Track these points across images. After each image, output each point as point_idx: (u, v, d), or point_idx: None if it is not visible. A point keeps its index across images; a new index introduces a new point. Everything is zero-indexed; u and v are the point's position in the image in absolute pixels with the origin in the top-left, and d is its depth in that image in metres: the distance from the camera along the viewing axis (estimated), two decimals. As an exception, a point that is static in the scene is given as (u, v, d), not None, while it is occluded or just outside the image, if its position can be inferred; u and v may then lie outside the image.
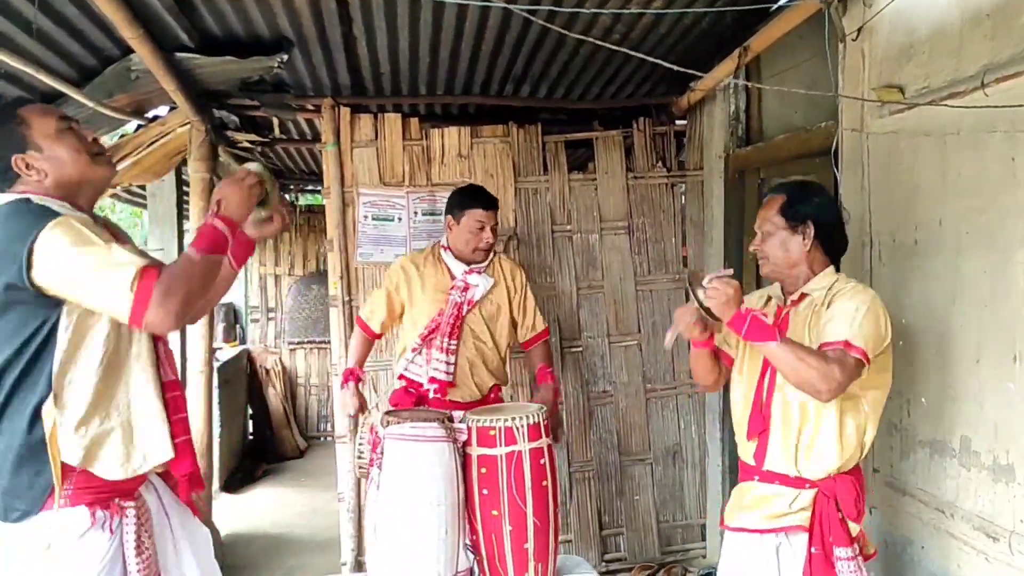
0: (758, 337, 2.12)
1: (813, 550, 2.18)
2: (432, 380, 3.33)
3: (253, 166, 2.20)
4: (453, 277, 3.40)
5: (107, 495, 1.98)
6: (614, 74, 4.43)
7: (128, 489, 2.04)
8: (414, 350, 3.38)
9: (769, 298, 2.48)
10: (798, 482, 2.23)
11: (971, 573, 2.41)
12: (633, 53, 2.74)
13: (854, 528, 2.21)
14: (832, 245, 2.35)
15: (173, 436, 2.10)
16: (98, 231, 1.91)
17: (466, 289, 3.38)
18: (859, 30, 2.94)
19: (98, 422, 1.96)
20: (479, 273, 3.41)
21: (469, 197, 3.40)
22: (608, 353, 4.69)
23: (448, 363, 3.33)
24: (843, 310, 2.18)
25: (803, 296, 2.32)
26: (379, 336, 3.60)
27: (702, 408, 4.74)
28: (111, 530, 1.97)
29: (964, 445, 2.46)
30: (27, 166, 1.98)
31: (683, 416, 4.77)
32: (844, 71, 3.08)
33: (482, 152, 4.60)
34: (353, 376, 3.45)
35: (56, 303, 1.90)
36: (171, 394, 2.13)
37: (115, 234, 2.07)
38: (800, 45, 3.62)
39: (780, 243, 2.32)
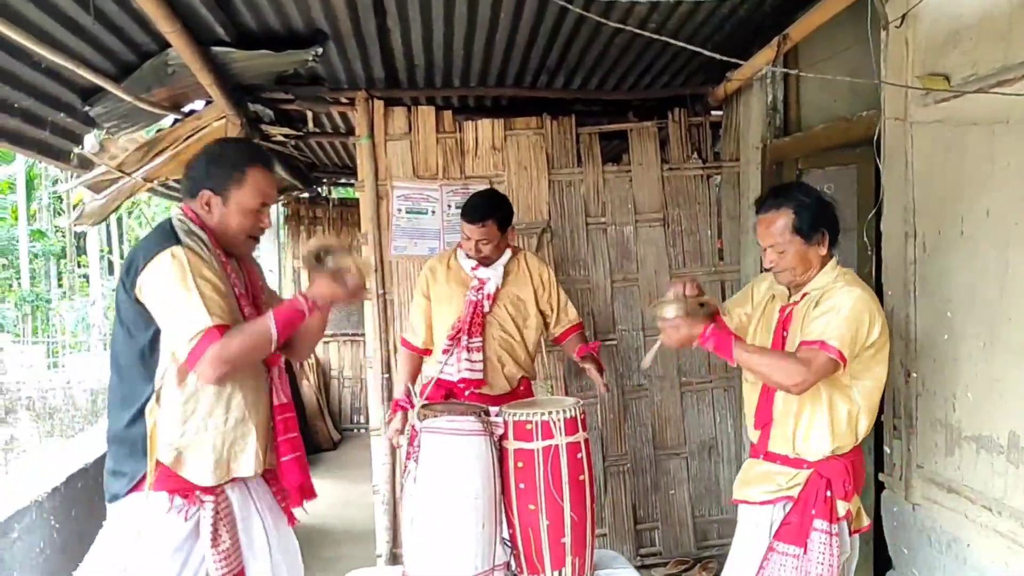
0: (720, 351, 2.35)
1: (792, 519, 2.38)
2: (463, 381, 3.35)
3: (364, 263, 2.35)
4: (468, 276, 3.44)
5: (189, 486, 2.15)
6: (649, 64, 4.38)
7: (211, 487, 2.18)
8: (445, 352, 3.39)
9: (773, 296, 2.61)
10: (797, 462, 2.43)
11: (1020, 572, 2.36)
12: (671, 41, 2.69)
13: (842, 507, 2.34)
14: (835, 240, 2.48)
15: (279, 454, 2.31)
16: (207, 266, 2.13)
17: (481, 288, 3.39)
18: (903, 17, 2.87)
19: (193, 431, 2.14)
20: (486, 267, 3.40)
21: (464, 206, 3.41)
22: (643, 347, 4.65)
23: (474, 361, 3.34)
24: (824, 310, 2.33)
25: (804, 295, 2.46)
26: (426, 352, 3.56)
27: (737, 402, 4.69)
28: (186, 516, 2.14)
29: (1012, 441, 2.40)
30: (206, 203, 2.23)
31: (718, 410, 4.73)
32: (887, 59, 3.01)
33: (515, 144, 4.58)
34: (400, 408, 3.41)
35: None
36: (281, 416, 2.34)
37: (250, 275, 2.36)
38: (840, 33, 3.56)
39: (799, 257, 2.43)
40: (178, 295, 2.06)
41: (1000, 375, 2.45)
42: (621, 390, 4.64)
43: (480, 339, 3.35)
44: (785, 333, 2.48)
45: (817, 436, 2.39)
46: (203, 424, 2.14)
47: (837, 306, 2.31)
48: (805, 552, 2.32)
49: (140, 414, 2.11)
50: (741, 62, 3.40)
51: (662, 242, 4.68)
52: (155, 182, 5.18)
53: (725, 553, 4.59)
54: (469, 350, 3.33)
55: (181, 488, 2.14)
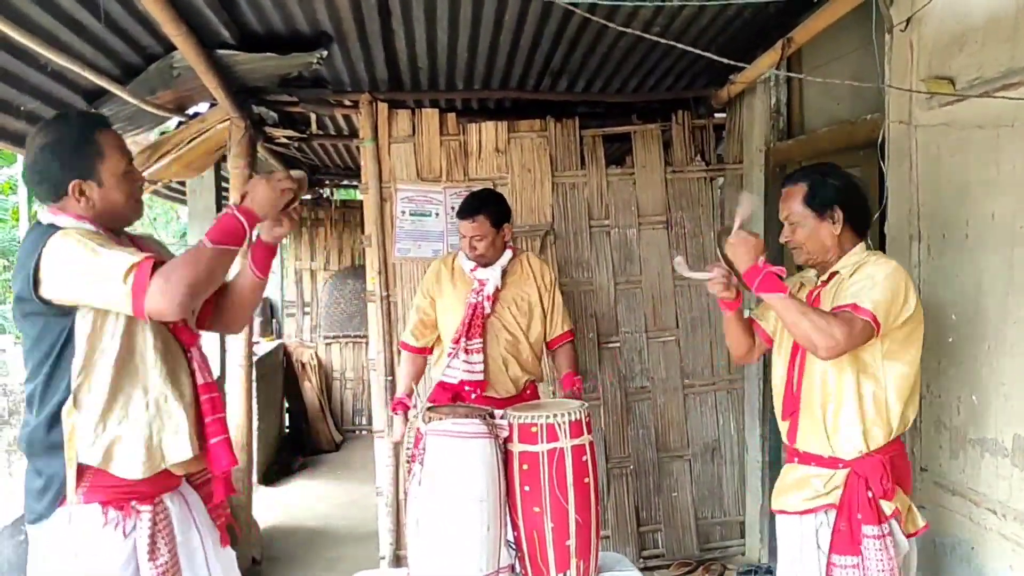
0: (768, 288, 2.20)
1: (841, 527, 2.23)
2: (464, 383, 3.34)
3: (296, 173, 2.20)
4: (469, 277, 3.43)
5: (123, 496, 2.00)
6: (653, 67, 4.39)
7: (147, 493, 2.04)
8: (450, 355, 3.38)
9: (801, 285, 2.53)
10: (832, 462, 2.29)
11: (1025, 575, 2.36)
12: (675, 44, 2.70)
13: (886, 506, 2.21)
14: (860, 222, 2.38)
15: (207, 436, 2.14)
16: (103, 240, 1.95)
17: (480, 289, 3.37)
18: (908, 20, 2.87)
19: (116, 421, 1.99)
20: (484, 267, 3.38)
21: (461, 205, 3.39)
22: (646, 348, 4.66)
23: (473, 363, 3.32)
24: (860, 278, 2.24)
25: (832, 275, 2.37)
26: (426, 351, 3.54)
27: (741, 404, 4.69)
28: (124, 532, 1.99)
29: (1017, 444, 2.40)
30: (80, 193, 2.01)
31: (722, 412, 4.73)
32: (891, 62, 3.01)
33: (519, 147, 4.59)
34: (401, 406, 3.41)
35: (68, 311, 1.95)
36: (207, 396, 2.17)
37: (137, 243, 2.15)
38: (844, 36, 3.56)
39: (810, 232, 2.37)
40: (90, 256, 1.89)
41: (1005, 378, 2.45)
42: (624, 392, 4.64)
43: (480, 341, 3.33)
44: None
45: (846, 425, 2.26)
46: (123, 413, 1.99)
47: (872, 274, 2.22)
48: (863, 560, 2.19)
49: (57, 418, 1.95)
50: (744, 65, 3.42)
51: (665, 245, 4.68)
52: (159, 184, 5.19)
53: (728, 556, 4.66)
54: (468, 352, 3.32)
55: (114, 499, 1.99)
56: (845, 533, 2.22)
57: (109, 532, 1.96)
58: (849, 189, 2.37)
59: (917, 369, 2.29)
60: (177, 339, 2.16)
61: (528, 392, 3.49)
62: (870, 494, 2.21)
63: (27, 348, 2.01)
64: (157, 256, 1.96)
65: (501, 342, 3.39)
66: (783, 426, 2.47)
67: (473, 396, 3.32)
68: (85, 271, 1.89)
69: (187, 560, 2.13)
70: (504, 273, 3.40)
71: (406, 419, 3.37)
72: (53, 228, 1.95)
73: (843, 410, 2.27)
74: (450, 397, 3.35)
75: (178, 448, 2.07)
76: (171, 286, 1.88)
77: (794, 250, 2.45)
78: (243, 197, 2.08)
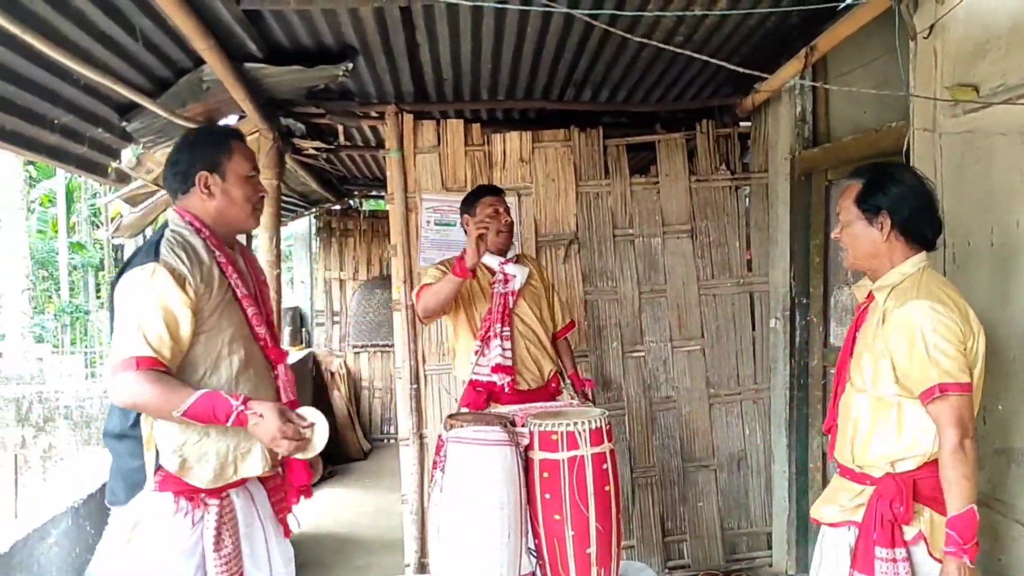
0: (968, 536, 2.02)
1: (860, 544, 2.19)
2: (496, 368, 3.36)
3: (319, 439, 2.28)
4: (492, 272, 3.48)
5: (193, 489, 2.14)
6: (677, 76, 4.39)
7: (215, 488, 2.18)
8: (476, 352, 3.42)
9: (854, 296, 2.45)
10: (860, 477, 2.24)
11: (1053, 588, 2.32)
12: (696, 55, 2.71)
13: (909, 531, 2.13)
14: (917, 232, 2.22)
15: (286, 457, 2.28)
16: (179, 294, 2.09)
17: (507, 281, 3.47)
18: (931, 27, 2.85)
19: (195, 437, 2.13)
20: (514, 263, 3.50)
21: (475, 192, 3.57)
22: (671, 358, 4.65)
23: (505, 348, 3.41)
24: (908, 343, 2.09)
25: (871, 296, 2.28)
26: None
27: (767, 414, 4.66)
28: (193, 521, 2.13)
29: (1045, 455, 2.37)
30: (205, 185, 2.25)
31: (748, 422, 4.70)
32: (915, 69, 2.99)
33: (543, 157, 4.61)
34: (460, 265, 3.25)
35: None
36: None
37: (247, 258, 2.38)
38: (869, 43, 3.54)
39: (857, 235, 2.26)
40: (128, 314, 2.07)
41: (1031, 388, 2.41)
42: (649, 401, 4.63)
43: (510, 329, 3.43)
44: (856, 333, 2.32)
45: (879, 442, 2.18)
46: (204, 430, 2.13)
47: (913, 334, 2.08)
48: None
49: (139, 415, 2.12)
50: (766, 75, 3.41)
51: (690, 254, 4.68)
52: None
53: (755, 567, 4.62)
54: (500, 337, 3.40)
55: (186, 491, 2.13)
56: (860, 551, 2.19)
57: (179, 520, 2.12)
58: (907, 196, 2.20)
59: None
60: (266, 356, 2.32)
61: (554, 384, 3.57)
62: (884, 516, 2.14)
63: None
64: (161, 354, 2.07)
65: (523, 334, 3.48)
66: (828, 439, 2.46)
67: (505, 387, 3.35)
68: (119, 319, 2.10)
69: (249, 550, 2.28)
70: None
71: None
72: (153, 253, 2.12)
73: (878, 427, 2.20)
74: (484, 399, 3.38)
75: (251, 466, 2.23)
76: (121, 395, 2.05)
77: (842, 252, 2.36)
78: (248, 403, 2.12)
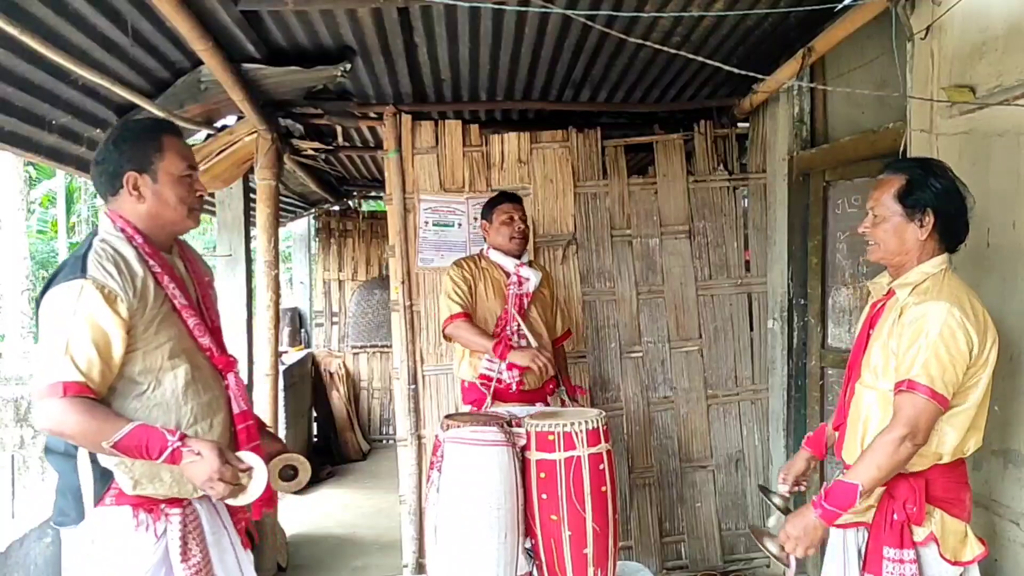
0: (841, 506, 2.08)
1: (870, 546, 2.19)
2: (510, 366, 3.39)
3: (256, 486, 2.04)
4: (507, 274, 3.59)
5: (152, 501, 2.03)
6: (674, 77, 4.40)
7: (175, 498, 2.06)
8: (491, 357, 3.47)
9: (870, 293, 2.40)
10: None
11: (1048, 589, 2.32)
12: (694, 56, 2.71)
13: (919, 532, 2.13)
14: (953, 233, 2.19)
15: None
16: (108, 310, 1.93)
17: (521, 283, 3.58)
18: (928, 28, 2.86)
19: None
20: (528, 266, 3.62)
21: (495, 198, 3.71)
22: (669, 358, 4.65)
23: (521, 346, 3.48)
24: (913, 323, 2.08)
25: (891, 292, 2.24)
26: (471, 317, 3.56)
27: (765, 415, 4.67)
28: (156, 534, 2.01)
29: (1041, 456, 2.37)
30: (134, 186, 2.08)
31: (745, 423, 4.70)
32: (912, 71, 3.00)
33: (541, 157, 4.62)
34: (505, 342, 3.40)
35: None
36: (243, 425, 2.18)
37: (187, 256, 2.22)
38: (868, 44, 3.55)
39: (894, 230, 2.19)
40: (54, 335, 1.92)
41: (1027, 388, 2.42)
42: (647, 402, 4.63)
43: (527, 326, 3.53)
44: (871, 331, 2.28)
45: None
46: None
47: (923, 330, 2.05)
48: None
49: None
50: (764, 76, 3.41)
51: (688, 254, 4.68)
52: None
53: (753, 568, 4.62)
54: (520, 335, 3.50)
55: (145, 503, 2.01)
56: (870, 552, 2.18)
57: (141, 534, 1.99)
58: (951, 195, 2.16)
59: (974, 410, 2.13)
60: (214, 366, 2.17)
61: (550, 387, 3.64)
62: (896, 516, 2.13)
63: None
64: (89, 381, 1.92)
65: (531, 337, 3.53)
66: (835, 436, 2.44)
67: (513, 386, 3.40)
68: (45, 340, 1.94)
69: (219, 560, 2.15)
70: None
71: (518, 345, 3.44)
72: (80, 268, 1.96)
73: (869, 431, 2.21)
74: (487, 396, 3.42)
75: None
76: (51, 423, 1.90)
77: (869, 245, 2.28)
78: (185, 440, 1.96)
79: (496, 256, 3.63)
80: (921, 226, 2.15)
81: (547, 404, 3.56)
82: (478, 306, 3.57)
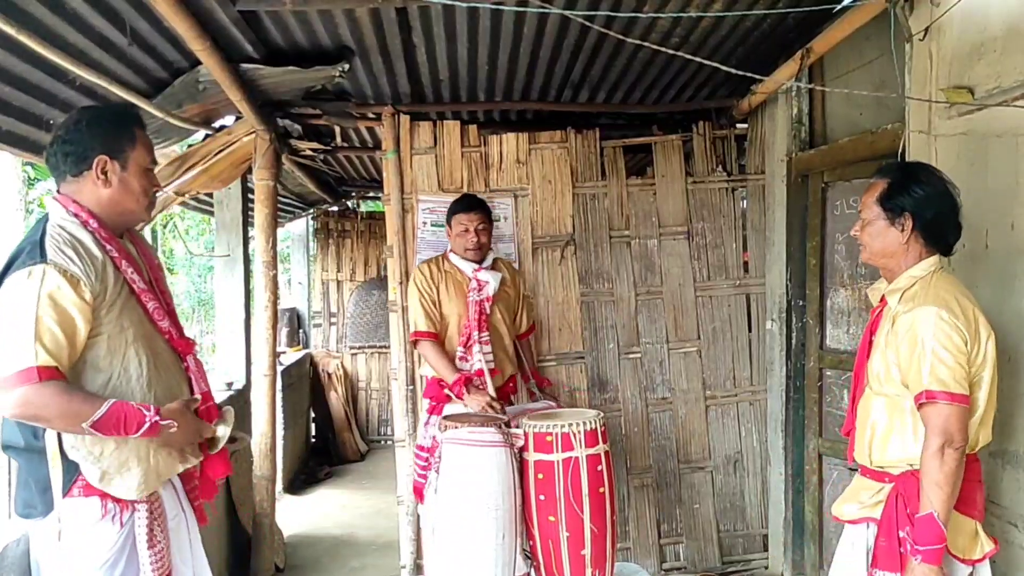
0: (932, 541, 2.04)
1: (881, 542, 2.19)
2: (479, 372, 3.51)
3: (222, 431, 2.24)
4: (469, 278, 3.68)
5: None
6: (673, 78, 4.39)
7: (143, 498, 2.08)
8: (460, 358, 3.57)
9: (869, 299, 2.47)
10: (879, 475, 2.27)
11: (1047, 590, 2.32)
12: (692, 58, 2.71)
13: None
14: (938, 236, 2.24)
15: (204, 447, 2.22)
16: (73, 295, 1.93)
17: (480, 288, 3.65)
18: (926, 29, 2.86)
19: (112, 446, 2.01)
20: (487, 270, 3.68)
21: (454, 205, 3.77)
22: (667, 359, 4.65)
23: (486, 353, 3.56)
24: (907, 334, 2.13)
25: (884, 300, 2.30)
26: (439, 337, 3.70)
27: (763, 416, 4.66)
28: (121, 522, 2.03)
29: (1039, 457, 2.37)
30: (103, 171, 2.08)
31: (744, 424, 4.70)
32: (911, 72, 3.00)
33: (540, 158, 4.61)
34: (465, 380, 3.45)
35: None
36: (204, 406, 2.23)
37: (137, 243, 2.22)
38: (866, 45, 3.55)
39: (878, 233, 2.26)
40: (16, 321, 1.89)
41: (1025, 390, 2.42)
42: (645, 403, 4.63)
43: (488, 333, 3.61)
44: (872, 337, 2.34)
45: (896, 442, 2.21)
46: (122, 437, 1.99)
47: (918, 338, 2.09)
48: None
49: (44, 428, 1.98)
50: (761, 77, 3.41)
51: (686, 255, 4.68)
52: (187, 196, 5.27)
53: (751, 569, 4.61)
54: (482, 343, 3.56)
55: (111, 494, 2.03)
56: (885, 548, 2.18)
57: (107, 524, 2.01)
58: (930, 199, 2.20)
59: (983, 401, 2.17)
60: (173, 349, 2.20)
61: (511, 384, 3.76)
62: (908, 511, 2.15)
63: None
64: (58, 367, 1.91)
65: (494, 340, 3.64)
66: (848, 440, 2.46)
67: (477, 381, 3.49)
68: (5, 327, 1.91)
69: (176, 545, 2.20)
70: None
71: (477, 386, 3.48)
72: (39, 253, 1.94)
73: (894, 428, 2.23)
74: (464, 380, 3.47)
75: (173, 465, 2.15)
76: (26, 408, 1.88)
77: (860, 248, 2.37)
78: (162, 416, 2.01)
79: (456, 260, 3.72)
80: (901, 230, 2.22)
81: (509, 402, 3.68)
82: (443, 307, 3.68)
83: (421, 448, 3.60)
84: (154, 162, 2.22)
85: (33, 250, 1.95)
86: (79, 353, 1.98)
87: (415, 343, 3.72)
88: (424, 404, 3.76)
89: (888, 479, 2.24)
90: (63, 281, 1.92)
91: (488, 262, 3.72)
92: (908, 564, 2.08)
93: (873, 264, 2.36)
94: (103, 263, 2.02)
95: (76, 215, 2.05)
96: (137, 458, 2.03)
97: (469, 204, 3.73)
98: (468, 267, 3.66)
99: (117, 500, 2.02)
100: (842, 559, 2.39)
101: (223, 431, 2.22)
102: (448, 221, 3.76)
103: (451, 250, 3.77)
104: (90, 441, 1.98)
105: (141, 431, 1.96)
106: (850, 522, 2.34)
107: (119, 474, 2.01)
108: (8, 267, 1.97)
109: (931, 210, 2.20)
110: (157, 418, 1.98)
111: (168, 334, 2.18)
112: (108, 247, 2.07)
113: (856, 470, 2.43)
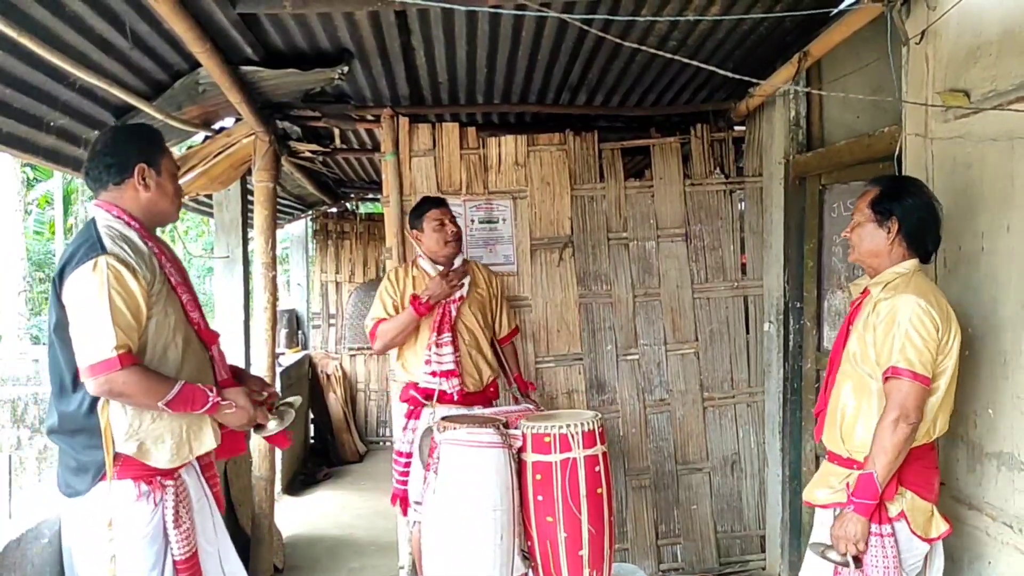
0: (868, 496, 2.29)
1: None
2: (441, 374, 3.54)
3: (273, 426, 2.51)
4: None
5: (150, 473, 2.24)
6: (671, 80, 4.41)
7: (169, 469, 2.27)
8: (427, 361, 3.58)
9: (851, 293, 2.69)
10: (848, 462, 2.45)
11: (1041, 591, 2.34)
12: (690, 61, 2.73)
13: (892, 508, 2.33)
14: (918, 242, 2.47)
15: (223, 428, 2.41)
16: (133, 280, 2.17)
17: None
18: (923, 33, 2.88)
19: (149, 420, 2.22)
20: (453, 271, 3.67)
21: (421, 205, 3.77)
22: (665, 361, 4.67)
23: (443, 355, 3.57)
24: (885, 317, 2.35)
25: (867, 291, 2.51)
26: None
27: (761, 417, 4.68)
28: (154, 503, 2.22)
29: (1034, 458, 2.38)
30: (143, 178, 2.32)
31: (741, 425, 4.71)
32: (908, 75, 3.01)
33: (538, 160, 4.63)
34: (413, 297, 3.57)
35: None
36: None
37: (161, 247, 2.38)
38: (863, 48, 3.56)
39: (867, 234, 2.50)
40: (92, 308, 2.11)
41: (1021, 391, 2.43)
42: (643, 404, 4.64)
43: (449, 335, 3.59)
44: (850, 327, 2.54)
45: (862, 427, 2.40)
46: (157, 413, 2.21)
47: (896, 319, 2.32)
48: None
49: (92, 407, 2.17)
50: (759, 80, 3.43)
51: (684, 257, 4.69)
52: (186, 197, 5.29)
53: (748, 570, 4.63)
54: (439, 345, 3.57)
55: (144, 475, 2.22)
56: None
57: (142, 504, 2.21)
58: (915, 208, 2.44)
59: (943, 390, 2.37)
60: (200, 338, 2.41)
61: (492, 388, 3.74)
62: None
63: (60, 333, 2.19)
64: (132, 347, 2.16)
65: (466, 340, 3.64)
66: (816, 423, 2.66)
67: (455, 395, 3.53)
68: (81, 320, 2.14)
69: (201, 526, 2.37)
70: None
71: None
72: (99, 246, 2.17)
73: (861, 411, 2.42)
74: (421, 400, 3.56)
75: (205, 441, 2.34)
76: (110, 390, 2.13)
77: (850, 247, 2.59)
78: (223, 398, 2.32)
79: (425, 264, 3.73)
80: (888, 232, 2.45)
81: (491, 406, 3.67)
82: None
83: (399, 454, 3.63)
84: (178, 169, 2.47)
85: (92, 246, 2.17)
86: (141, 335, 2.20)
87: (375, 338, 3.66)
88: (401, 409, 3.77)
89: (856, 466, 2.39)
90: (123, 269, 2.15)
91: (457, 263, 3.73)
92: (843, 512, 2.32)
93: (860, 263, 2.58)
94: (149, 256, 2.27)
95: (119, 217, 2.28)
96: (170, 432, 2.24)
97: (437, 200, 3.76)
98: (435, 271, 3.67)
99: (148, 481, 2.22)
100: (816, 540, 2.53)
101: (274, 426, 2.49)
102: (416, 224, 3.73)
103: (419, 255, 3.77)
104: (131, 415, 2.18)
105: (205, 408, 2.25)
106: (821, 506, 2.52)
107: (154, 446, 2.22)
108: (65, 267, 2.17)
109: (915, 217, 2.44)
110: (219, 399, 2.28)
111: (198, 324, 2.41)
112: (149, 243, 2.31)
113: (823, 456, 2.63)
